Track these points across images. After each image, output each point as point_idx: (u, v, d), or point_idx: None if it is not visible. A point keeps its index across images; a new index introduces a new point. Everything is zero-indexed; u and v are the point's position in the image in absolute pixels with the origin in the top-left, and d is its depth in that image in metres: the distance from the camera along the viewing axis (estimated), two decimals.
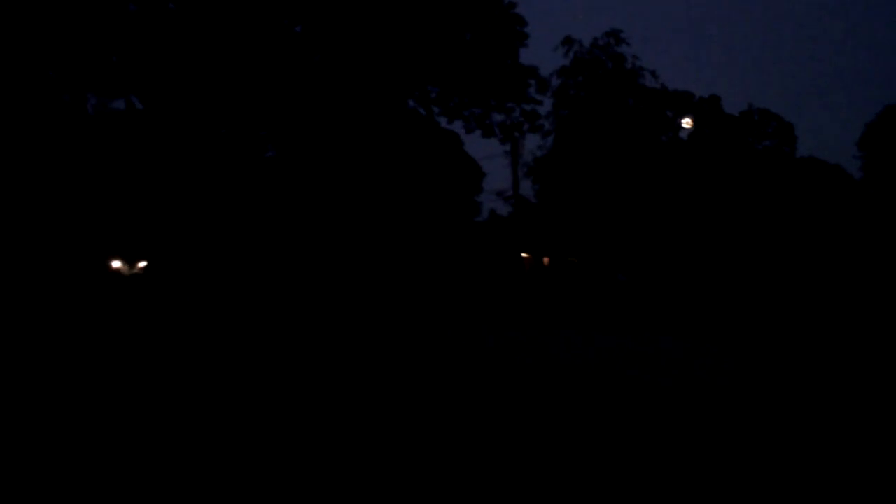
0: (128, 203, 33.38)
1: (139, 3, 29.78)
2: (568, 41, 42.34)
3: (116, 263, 36.10)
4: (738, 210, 48.54)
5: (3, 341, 17.41)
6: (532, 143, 51.14)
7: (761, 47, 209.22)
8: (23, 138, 29.29)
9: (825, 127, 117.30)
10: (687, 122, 50.39)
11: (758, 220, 48.21)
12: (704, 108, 51.15)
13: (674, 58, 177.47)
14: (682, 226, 48.65)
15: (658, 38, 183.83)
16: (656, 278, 48.86)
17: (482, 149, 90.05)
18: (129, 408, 9.06)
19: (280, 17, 30.56)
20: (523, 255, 50.64)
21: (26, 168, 29.70)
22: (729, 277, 47.34)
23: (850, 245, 43.04)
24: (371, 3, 30.71)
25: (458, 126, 36.89)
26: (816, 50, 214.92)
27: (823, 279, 43.54)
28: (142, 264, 36.43)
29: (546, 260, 49.58)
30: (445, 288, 45.32)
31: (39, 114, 29.86)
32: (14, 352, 15.44)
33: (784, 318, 38.49)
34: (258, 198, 35.45)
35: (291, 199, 36.34)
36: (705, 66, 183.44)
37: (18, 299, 27.12)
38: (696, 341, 19.85)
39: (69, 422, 8.19)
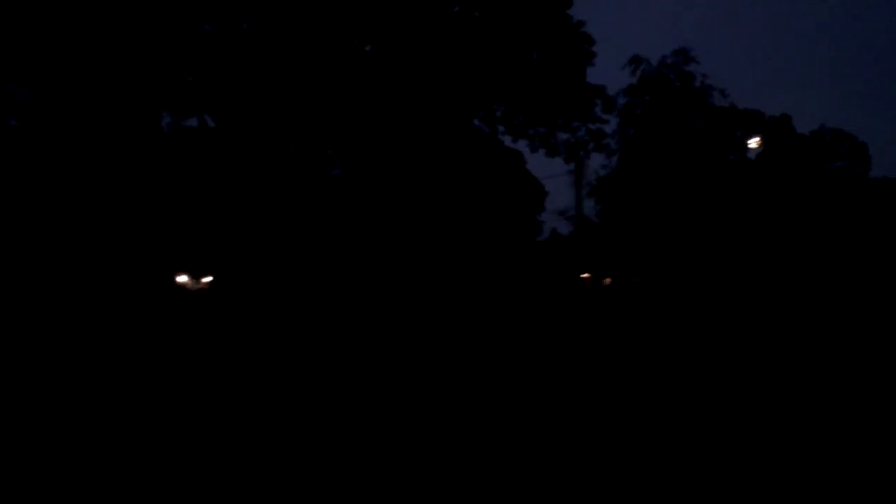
0: (198, 219, 33.99)
1: (214, 22, 30.34)
2: (635, 60, 42.00)
3: (182, 278, 36.75)
4: (810, 232, 47.34)
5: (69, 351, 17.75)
6: (596, 163, 50.67)
7: (833, 66, 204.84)
8: (99, 155, 30.09)
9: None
10: (755, 142, 49.36)
11: (831, 243, 46.95)
12: (775, 128, 50.10)
13: (744, 77, 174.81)
14: (749, 247, 47.63)
15: (728, 57, 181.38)
16: (719, 301, 47.87)
17: (546, 168, 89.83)
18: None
19: (351, 37, 30.83)
20: (584, 275, 50.14)
21: (101, 184, 30.46)
22: (800, 301, 46.13)
23: None
24: (441, 22, 30.78)
25: (521, 145, 36.65)
26: (889, 68, 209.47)
27: None
28: (207, 279, 37.05)
29: (607, 280, 49.02)
30: (506, 308, 45.18)
31: (115, 130, 30.67)
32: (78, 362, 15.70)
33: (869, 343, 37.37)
34: (325, 215, 35.78)
35: (357, 216, 36.59)
36: (776, 85, 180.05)
37: (84, 313, 27.77)
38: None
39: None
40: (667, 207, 46.95)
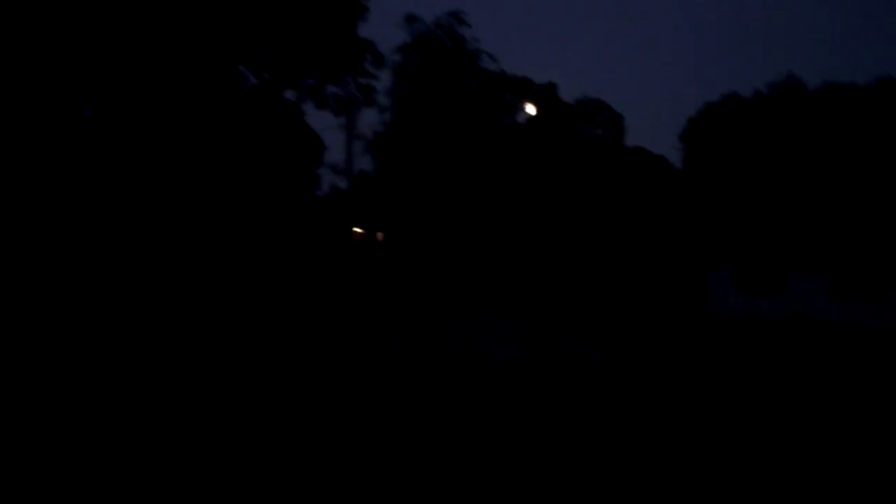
0: None
1: None
2: (411, 19, 42.27)
3: None
4: (570, 194, 50.32)
5: None
6: (371, 119, 50.72)
7: (594, 42, 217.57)
8: None
9: (651, 120, 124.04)
10: (530, 109, 51.69)
11: (589, 204, 50.19)
12: (542, 94, 52.50)
13: (513, 44, 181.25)
14: (517, 207, 49.90)
15: (498, 23, 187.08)
16: (485, 259, 49.95)
17: (317, 122, 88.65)
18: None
19: None
20: (356, 229, 50.36)
21: None
22: (555, 258, 49.17)
23: (678, 228, 45.64)
24: None
25: (290, 96, 35.84)
26: (644, 48, 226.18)
27: (641, 262, 46.07)
28: None
29: (380, 236, 49.52)
30: (286, 265, 44.53)
31: None
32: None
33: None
34: (73, 161, 33.10)
35: (111, 162, 34.18)
36: (545, 58, 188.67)
37: None
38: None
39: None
40: (439, 165, 48.07)
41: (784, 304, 37.03)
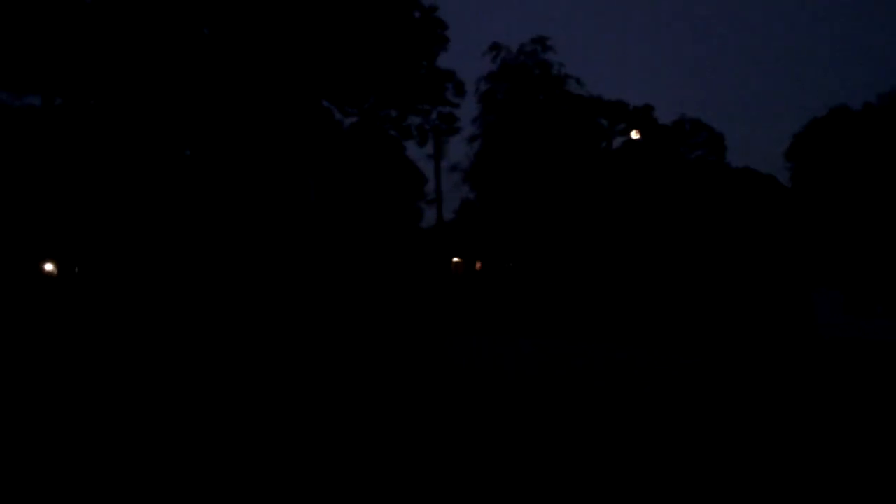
0: (44, 203, 33.10)
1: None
2: (495, 47, 42.98)
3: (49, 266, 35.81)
4: (672, 217, 49.25)
5: None
6: (461, 148, 51.48)
7: (688, 58, 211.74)
8: None
9: (753, 139, 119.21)
10: (635, 134, 51.26)
11: (693, 227, 48.93)
12: (637, 117, 51.92)
13: (603, 67, 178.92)
14: (616, 232, 49.25)
15: (587, 47, 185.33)
16: (586, 284, 49.35)
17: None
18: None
19: (189, 19, 30.52)
20: (455, 259, 51.02)
21: None
22: (663, 285, 47.98)
23: (783, 248, 43.85)
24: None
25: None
26: (744, 63, 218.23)
27: (756, 284, 44.31)
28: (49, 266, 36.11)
29: (478, 265, 49.95)
30: (394, 293, 45.83)
31: None
32: None
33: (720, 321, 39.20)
34: (179, 199, 35.30)
35: (215, 202, 36.25)
36: (635, 76, 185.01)
37: None
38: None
39: None
40: (534, 191, 48.20)
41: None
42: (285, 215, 41.63)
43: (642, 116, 52.05)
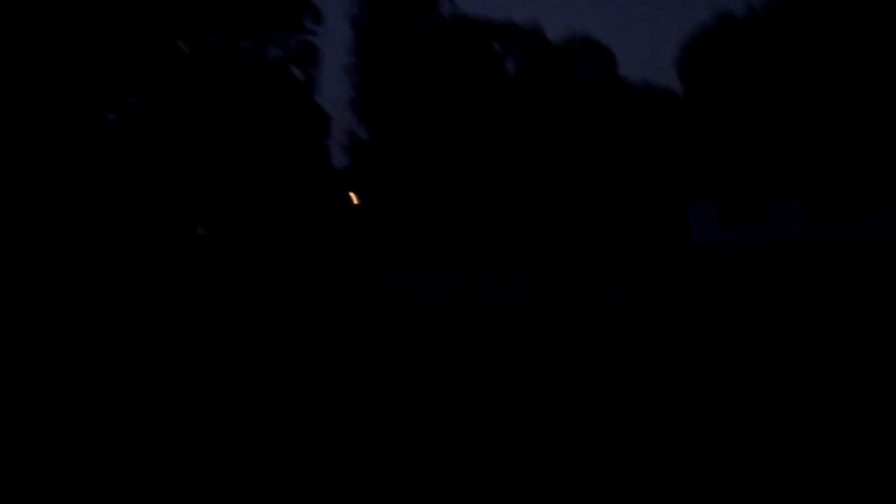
0: None
1: None
2: None
3: None
4: (559, 138, 49.05)
5: None
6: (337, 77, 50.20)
7: None
8: None
9: (641, 51, 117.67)
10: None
11: (577, 144, 48.81)
12: (528, 38, 51.14)
13: None
14: (512, 157, 48.99)
15: None
16: (481, 212, 49.34)
17: None
18: None
19: None
20: (353, 195, 50.57)
21: None
22: (554, 205, 48.14)
23: (662, 161, 44.06)
24: None
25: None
26: None
27: (636, 197, 44.69)
28: None
29: (356, 198, 49.61)
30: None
31: None
32: None
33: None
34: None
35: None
36: None
37: None
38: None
39: None
40: (428, 122, 47.50)
41: (765, 232, 35.58)
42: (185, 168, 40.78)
43: (532, 37, 51.26)
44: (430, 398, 5.70)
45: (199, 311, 12.98)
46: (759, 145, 38.89)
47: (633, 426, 4.78)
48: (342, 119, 45.61)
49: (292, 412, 5.34)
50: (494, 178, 48.64)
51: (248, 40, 33.31)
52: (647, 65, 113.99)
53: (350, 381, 6.42)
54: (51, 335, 10.37)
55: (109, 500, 4.13)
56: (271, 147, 45.28)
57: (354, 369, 6.97)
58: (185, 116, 38.67)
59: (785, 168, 36.20)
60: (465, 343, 8.45)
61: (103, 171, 36.54)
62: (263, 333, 9.65)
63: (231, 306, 13.85)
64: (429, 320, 10.74)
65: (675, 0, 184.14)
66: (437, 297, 14.85)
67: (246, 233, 47.36)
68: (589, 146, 47.29)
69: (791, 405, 5.09)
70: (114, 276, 26.52)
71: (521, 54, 50.45)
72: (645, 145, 45.97)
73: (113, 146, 36.83)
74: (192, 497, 3.80)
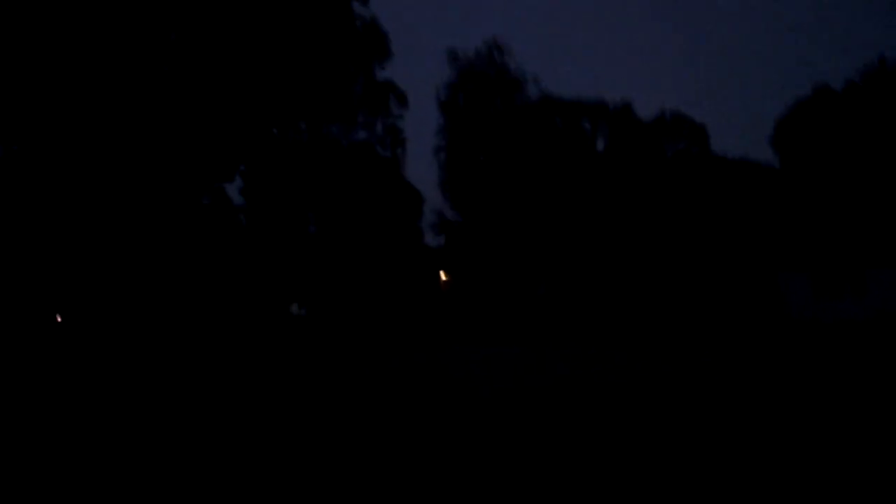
0: None
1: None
2: (452, 54, 42.80)
3: None
4: (653, 215, 48.39)
5: None
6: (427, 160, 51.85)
7: (661, 49, 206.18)
8: None
9: (735, 126, 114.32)
10: None
11: (674, 222, 48.01)
12: (617, 116, 51.36)
13: (575, 66, 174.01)
14: (603, 236, 48.56)
15: (552, 45, 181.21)
16: (576, 290, 48.73)
17: None
18: None
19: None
20: (443, 274, 50.84)
21: None
22: (648, 284, 47.09)
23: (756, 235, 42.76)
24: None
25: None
26: (717, 51, 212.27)
27: (733, 271, 43.24)
28: None
29: (447, 277, 49.82)
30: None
31: None
32: None
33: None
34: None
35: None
36: (611, 74, 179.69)
37: None
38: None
39: None
40: (517, 202, 47.87)
41: (866, 305, 33.79)
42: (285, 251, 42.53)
43: (622, 115, 51.44)
44: None
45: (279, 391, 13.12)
46: (856, 216, 37.34)
47: None
48: (432, 199, 46.30)
49: None
50: (587, 255, 48.20)
51: (338, 125, 34.79)
52: (742, 139, 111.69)
53: None
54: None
55: None
56: (367, 227, 46.47)
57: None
58: (284, 199, 40.40)
59: (883, 238, 34.54)
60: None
61: (207, 250, 38.32)
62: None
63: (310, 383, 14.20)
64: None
65: (772, 74, 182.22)
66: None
67: (340, 311, 48.25)
68: (683, 217, 46.45)
69: None
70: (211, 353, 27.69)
71: (612, 133, 50.60)
72: (740, 217, 44.81)
73: (215, 227, 38.68)
74: None
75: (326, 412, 9.51)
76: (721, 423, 7.61)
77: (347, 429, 7.86)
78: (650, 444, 6.59)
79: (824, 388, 10.56)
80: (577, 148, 50.05)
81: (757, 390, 10.48)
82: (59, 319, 35.34)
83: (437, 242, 51.14)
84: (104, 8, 29.90)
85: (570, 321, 45.25)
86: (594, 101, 51.03)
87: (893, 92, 44.49)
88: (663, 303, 43.76)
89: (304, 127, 35.14)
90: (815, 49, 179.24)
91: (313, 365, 19.93)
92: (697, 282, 43.42)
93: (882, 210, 37.45)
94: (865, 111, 44.61)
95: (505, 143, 43.44)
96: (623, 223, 47.94)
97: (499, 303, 49.22)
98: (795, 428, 7.20)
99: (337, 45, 32.53)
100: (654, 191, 48.52)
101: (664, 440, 6.75)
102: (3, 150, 31.93)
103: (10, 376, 17.84)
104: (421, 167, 52.67)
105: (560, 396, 10.50)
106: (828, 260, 35.38)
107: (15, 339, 30.32)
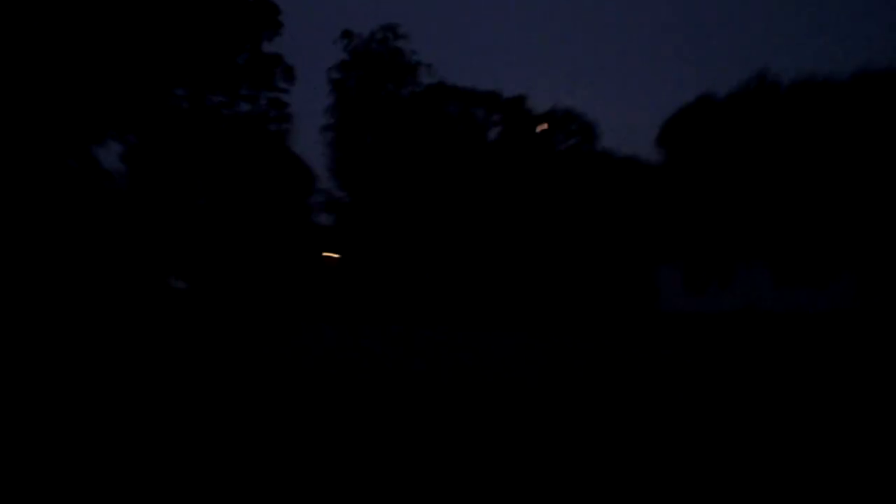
0: None
1: None
2: (347, 35, 42.38)
3: None
4: (546, 207, 49.36)
5: None
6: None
7: (557, 48, 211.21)
8: None
9: (625, 125, 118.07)
10: (542, 126, 51.48)
11: (568, 215, 49.10)
12: (511, 108, 52.03)
13: (474, 56, 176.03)
14: (489, 225, 49.20)
15: (454, 37, 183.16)
16: (460, 276, 49.28)
17: None
18: None
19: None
20: (327, 254, 50.49)
21: None
22: (529, 270, 48.10)
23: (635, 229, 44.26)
24: None
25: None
26: (613, 51, 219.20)
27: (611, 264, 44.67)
28: None
29: (335, 257, 49.63)
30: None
31: None
32: None
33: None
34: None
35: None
36: (509, 66, 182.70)
37: None
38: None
39: None
40: (406, 186, 47.90)
41: (733, 298, 35.45)
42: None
43: (516, 107, 52.14)
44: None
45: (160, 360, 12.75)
46: (729, 213, 39.13)
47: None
48: (321, 179, 45.90)
49: None
50: (472, 242, 48.74)
51: (222, 95, 33.91)
52: (630, 138, 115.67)
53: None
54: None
55: None
56: (256, 201, 45.57)
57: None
58: (171, 166, 39.11)
59: (751, 235, 36.33)
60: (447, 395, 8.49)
61: (83, 213, 36.72)
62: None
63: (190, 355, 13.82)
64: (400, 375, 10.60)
65: (665, 80, 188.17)
66: (411, 354, 14.77)
67: (223, 285, 47.23)
68: (568, 210, 47.58)
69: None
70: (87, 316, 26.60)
71: (504, 123, 51.23)
72: (621, 211, 46.23)
73: (97, 190, 37.10)
74: None
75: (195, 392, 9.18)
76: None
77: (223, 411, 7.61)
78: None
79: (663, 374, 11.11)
80: (468, 136, 50.46)
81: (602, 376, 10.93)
82: None
83: (325, 221, 50.66)
84: None
85: (452, 305, 45.74)
86: (488, 92, 51.57)
87: (768, 102, 46.76)
88: (545, 292, 44.77)
89: (183, 94, 33.98)
90: (709, 55, 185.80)
91: (187, 340, 19.35)
92: (579, 272, 44.60)
93: (753, 207, 39.43)
94: (743, 118, 46.69)
95: (395, 125, 43.31)
96: (510, 213, 48.71)
97: (385, 284, 49.30)
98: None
99: (222, 12, 31.60)
100: (542, 182, 49.49)
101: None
102: None
103: None
104: (312, 145, 51.94)
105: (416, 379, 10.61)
106: (699, 253, 36.92)
107: None
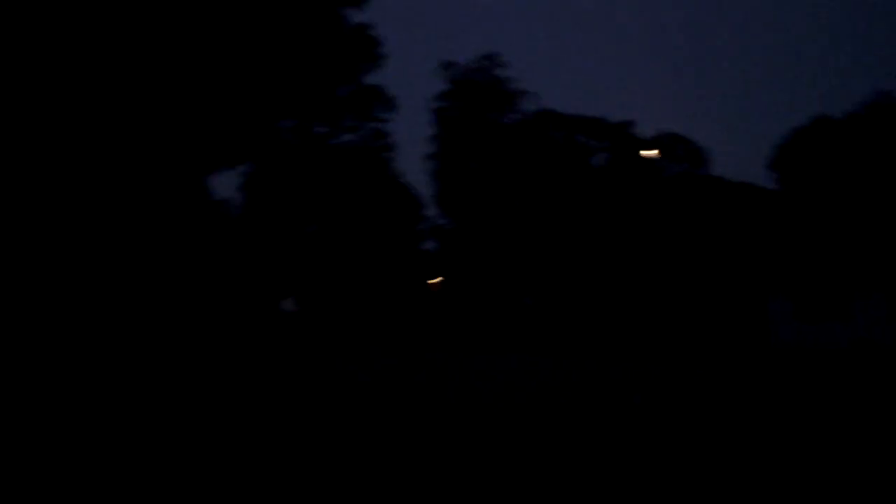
0: None
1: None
2: (446, 65, 43.01)
3: None
4: (647, 233, 48.32)
5: None
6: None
7: (670, 71, 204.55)
8: None
9: (736, 150, 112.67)
10: (651, 153, 50.89)
11: (668, 241, 47.90)
12: (617, 134, 51.35)
13: (579, 83, 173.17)
14: (595, 252, 48.54)
15: (560, 60, 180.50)
16: (564, 303, 48.72)
17: None
18: None
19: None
20: (432, 280, 51.01)
21: None
22: (641, 300, 47.00)
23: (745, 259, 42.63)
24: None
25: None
26: (722, 76, 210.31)
27: (720, 294, 43.08)
28: None
29: (439, 282, 49.94)
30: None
31: None
32: None
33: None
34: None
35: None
36: (615, 92, 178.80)
37: None
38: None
39: None
40: (510, 212, 47.99)
41: (848, 331, 33.53)
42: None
43: (621, 133, 51.42)
44: None
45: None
46: (846, 241, 37.12)
47: None
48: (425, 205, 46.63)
49: None
50: (578, 268, 48.18)
51: (325, 126, 35.06)
52: (744, 164, 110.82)
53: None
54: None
55: None
56: (364, 228, 46.69)
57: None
58: (282, 194, 40.75)
59: (869, 265, 34.32)
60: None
61: (202, 242, 38.63)
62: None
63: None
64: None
65: (777, 103, 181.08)
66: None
67: (334, 310, 48.51)
68: (676, 237, 46.36)
69: None
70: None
71: (610, 150, 50.60)
72: (732, 239, 44.63)
73: (214, 218, 39.03)
74: None
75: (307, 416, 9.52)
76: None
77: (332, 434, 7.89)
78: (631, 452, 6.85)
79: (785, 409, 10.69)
80: (573, 162, 50.09)
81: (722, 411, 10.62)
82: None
83: (430, 247, 51.31)
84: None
85: (556, 333, 45.25)
86: (593, 118, 51.11)
87: (889, 125, 44.35)
88: (653, 323, 43.67)
89: (289, 126, 35.37)
90: (821, 78, 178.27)
91: (299, 362, 19.95)
92: (688, 302, 43.31)
93: (873, 238, 37.25)
94: (862, 141, 44.42)
95: (498, 152, 43.54)
96: (617, 240, 47.90)
97: (487, 310, 49.32)
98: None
99: (324, 48, 32.75)
100: (649, 209, 48.47)
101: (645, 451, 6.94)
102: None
103: None
104: (415, 173, 52.83)
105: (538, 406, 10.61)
106: (813, 283, 35.22)
107: None
